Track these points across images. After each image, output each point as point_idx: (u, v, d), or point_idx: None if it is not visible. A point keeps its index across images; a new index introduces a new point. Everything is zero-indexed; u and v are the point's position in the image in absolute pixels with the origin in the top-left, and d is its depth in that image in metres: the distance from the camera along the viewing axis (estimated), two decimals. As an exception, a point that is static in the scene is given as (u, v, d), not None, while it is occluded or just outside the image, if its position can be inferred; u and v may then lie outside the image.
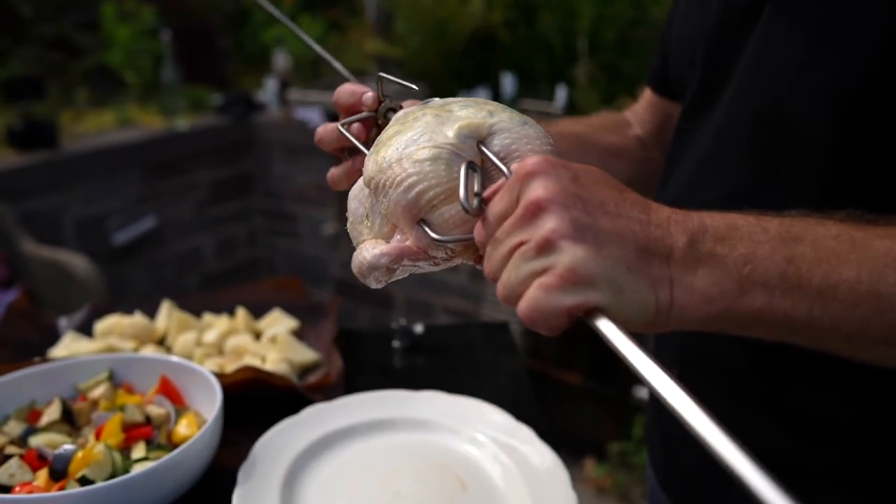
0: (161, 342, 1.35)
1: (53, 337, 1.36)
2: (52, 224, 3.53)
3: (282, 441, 1.02)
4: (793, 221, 0.62)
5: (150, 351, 1.29)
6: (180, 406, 1.08)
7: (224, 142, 4.32)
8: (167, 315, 1.38)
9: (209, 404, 1.05)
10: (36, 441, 1.00)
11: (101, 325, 1.35)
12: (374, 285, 0.73)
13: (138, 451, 0.97)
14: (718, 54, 0.90)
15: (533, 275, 0.56)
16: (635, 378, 3.25)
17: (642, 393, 3.22)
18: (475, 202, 0.62)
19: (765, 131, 0.83)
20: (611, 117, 1.26)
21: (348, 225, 0.75)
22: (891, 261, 0.59)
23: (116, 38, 4.28)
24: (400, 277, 0.73)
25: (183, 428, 1.02)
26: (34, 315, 1.39)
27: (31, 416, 1.06)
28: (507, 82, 3.60)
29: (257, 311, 1.41)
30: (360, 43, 4.00)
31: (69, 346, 1.29)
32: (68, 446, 0.95)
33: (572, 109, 3.44)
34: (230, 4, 5.22)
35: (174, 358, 1.12)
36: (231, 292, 1.48)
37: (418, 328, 1.38)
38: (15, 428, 1.03)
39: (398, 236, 0.70)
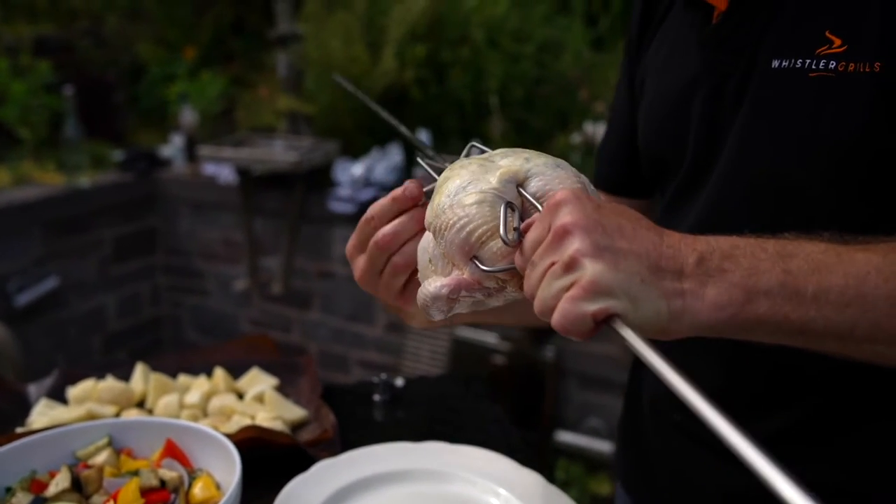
0: (140, 405, 1.33)
1: (25, 405, 1.32)
2: (-51, 287, 3.38)
3: (302, 497, 1.03)
4: (787, 241, 0.73)
5: (133, 415, 1.27)
6: (189, 469, 1.07)
7: (127, 198, 4.24)
8: (143, 377, 1.36)
9: (219, 465, 1.05)
10: (49, 511, 0.97)
11: (75, 391, 1.32)
12: (437, 316, 0.83)
13: (160, 516, 0.97)
14: (709, 131, 0.99)
15: (562, 290, 0.67)
16: (557, 424, 3.34)
17: (564, 438, 3.30)
18: (513, 235, 0.74)
19: (763, 197, 0.93)
20: None
21: (419, 274, 0.85)
22: (872, 268, 0.70)
23: (11, 93, 4.15)
24: (460, 311, 0.83)
25: (199, 490, 1.02)
26: (1, 384, 1.35)
27: (35, 487, 1.04)
28: (422, 138, 3.68)
29: (233, 371, 1.41)
30: (270, 99, 4.01)
31: (48, 415, 1.26)
32: (90, 514, 0.93)
33: (487, 164, 3.54)
34: (126, 58, 5.14)
35: (180, 421, 1.11)
36: (203, 353, 1.48)
37: (399, 381, 1.41)
38: (23, 499, 1.00)
39: (455, 272, 0.80)
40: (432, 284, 0.81)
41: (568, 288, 0.66)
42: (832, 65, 0.86)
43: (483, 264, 0.77)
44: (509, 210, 0.76)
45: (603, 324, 0.66)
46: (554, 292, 0.68)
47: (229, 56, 5.16)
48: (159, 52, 5.07)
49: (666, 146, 1.07)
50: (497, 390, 3.34)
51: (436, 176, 0.90)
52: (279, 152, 3.82)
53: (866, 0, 0.85)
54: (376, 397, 1.39)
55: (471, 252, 0.77)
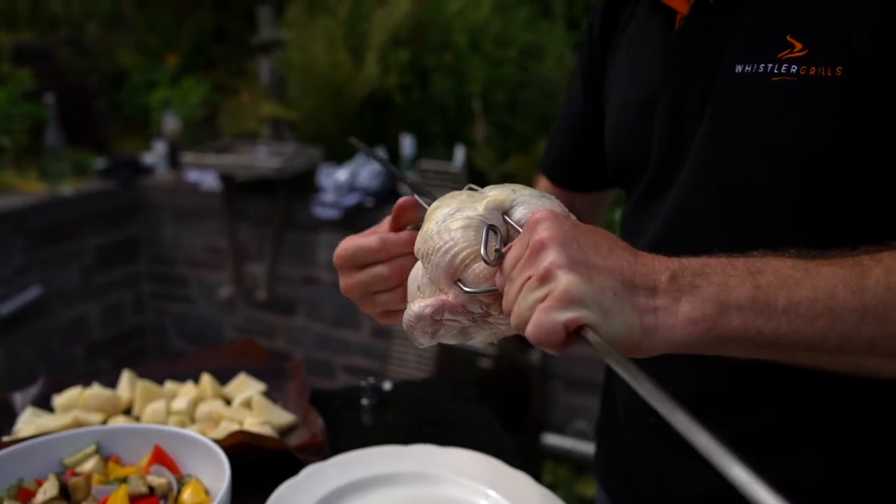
0: (127, 412, 1.33)
1: (10, 414, 1.31)
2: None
3: (291, 502, 1.03)
4: (755, 258, 0.74)
5: (120, 422, 1.27)
6: (178, 475, 1.07)
7: (110, 206, 4.22)
8: (130, 385, 1.36)
9: (208, 471, 1.05)
10: (37, 519, 0.97)
11: (61, 399, 1.32)
12: (422, 340, 0.85)
13: (149, 522, 0.97)
14: (673, 137, 1.00)
15: (537, 301, 0.68)
16: (543, 427, 3.34)
17: (551, 441, 3.31)
18: (494, 255, 0.76)
19: (728, 202, 0.94)
20: None
21: (409, 299, 0.86)
22: (839, 281, 0.71)
23: (-9, 102, 4.13)
24: (446, 338, 0.85)
25: (188, 496, 1.02)
26: (-14, 392, 1.34)
27: (22, 495, 1.03)
28: (407, 143, 3.68)
29: (220, 377, 1.41)
30: (253, 106, 4.01)
31: (34, 423, 1.26)
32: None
33: (471, 168, 3.55)
34: (107, 66, 5.12)
35: (168, 427, 1.11)
36: (190, 360, 1.47)
37: (387, 385, 1.42)
38: (11, 508, 1.00)
39: (440, 295, 0.81)
40: (416, 305, 0.82)
41: (543, 299, 0.68)
42: (794, 69, 0.87)
43: (466, 286, 0.78)
44: (491, 232, 0.77)
45: (575, 335, 0.67)
46: (529, 304, 0.69)
47: (211, 63, 5.14)
48: (141, 60, 5.05)
49: (631, 152, 1.08)
50: (483, 394, 3.34)
51: (422, 203, 0.93)
52: (262, 158, 3.81)
53: (827, 4, 0.86)
54: (364, 401, 1.39)
55: (455, 275, 0.79)
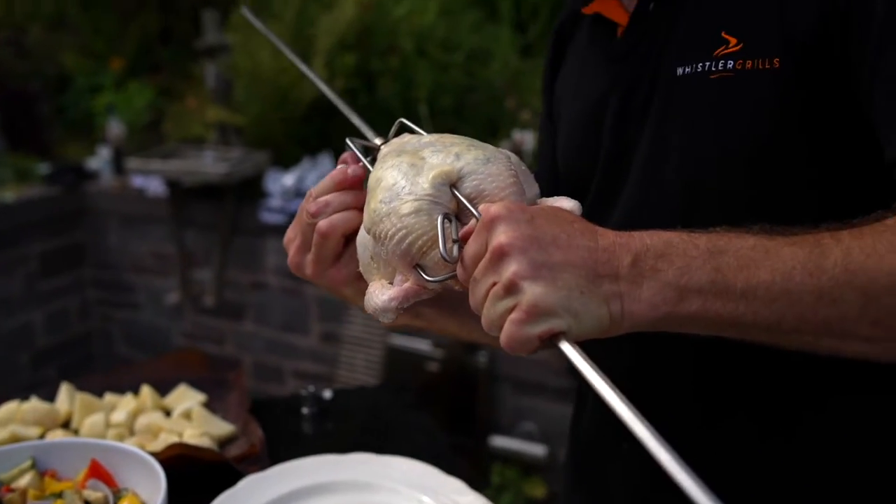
0: (66, 426, 1.33)
1: (-54, 428, 1.30)
2: None
3: (229, 513, 1.05)
4: (718, 236, 0.75)
5: (58, 436, 1.27)
6: (115, 489, 1.08)
7: (54, 212, 4.17)
8: (68, 398, 1.35)
9: (144, 484, 1.06)
10: (-29, 536, 0.97)
11: (-2, 413, 1.31)
12: (386, 321, 0.85)
13: (84, 537, 0.97)
14: (620, 144, 1.01)
15: (506, 311, 0.70)
16: (491, 428, 3.38)
17: (498, 442, 3.34)
18: (454, 250, 0.76)
19: (677, 204, 0.94)
20: None
21: (360, 268, 0.88)
22: (797, 263, 0.72)
23: (-71, 107, 4.05)
24: (405, 314, 0.86)
25: (125, 510, 1.02)
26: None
27: (-44, 512, 1.03)
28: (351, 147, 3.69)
29: (161, 388, 1.41)
30: (199, 110, 3.99)
31: (-31, 438, 1.25)
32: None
33: (418, 173, 3.57)
34: (50, 69, 5.05)
35: (104, 441, 1.11)
36: (131, 371, 1.48)
37: (327, 394, 1.43)
38: (-56, 525, 0.99)
39: (399, 277, 0.82)
40: (380, 297, 0.83)
41: (511, 309, 0.69)
42: (730, 64, 0.88)
43: (426, 272, 0.79)
44: (446, 222, 0.77)
45: (548, 340, 0.69)
46: (499, 312, 0.70)
47: (157, 66, 5.09)
48: (85, 63, 4.98)
49: (581, 163, 1.09)
50: (431, 397, 3.37)
51: (366, 163, 0.91)
52: (209, 164, 3.80)
53: None
54: (305, 410, 1.41)
55: (413, 262, 0.79)
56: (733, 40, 0.89)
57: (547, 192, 1.03)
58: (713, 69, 0.90)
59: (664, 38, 0.96)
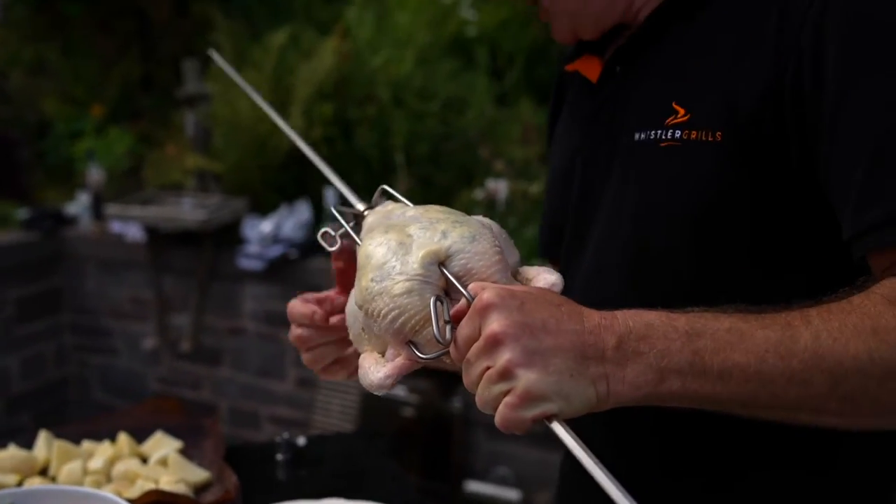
0: (43, 473, 1.35)
1: (-75, 476, 1.32)
2: None
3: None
4: (696, 317, 0.79)
5: (36, 483, 1.29)
6: (92, 535, 1.10)
7: (32, 257, 4.18)
8: (46, 445, 1.38)
9: (121, 530, 1.09)
10: (-49, 583, 0.99)
11: (-24, 461, 1.34)
12: (380, 394, 0.89)
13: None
14: (586, 199, 1.07)
15: (501, 395, 0.74)
16: (465, 473, 3.39)
17: (473, 487, 3.36)
18: (447, 332, 0.79)
19: (633, 262, 1.00)
20: None
21: (351, 337, 0.93)
22: (770, 346, 0.77)
23: None
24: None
25: (101, 556, 1.05)
26: None
27: (-64, 559, 1.05)
28: (330, 195, 3.74)
29: (138, 435, 1.44)
30: (178, 157, 4.04)
31: (-52, 485, 1.27)
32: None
33: (394, 220, 3.62)
34: (31, 115, 5.08)
35: (82, 488, 1.14)
36: (108, 419, 1.51)
37: (301, 440, 1.46)
38: (-76, 572, 1.02)
39: (391, 351, 0.86)
40: (376, 375, 0.86)
41: (506, 393, 0.73)
42: (678, 134, 0.93)
43: (418, 349, 0.82)
44: (438, 303, 0.79)
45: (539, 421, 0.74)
46: (494, 395, 0.74)
47: (137, 113, 5.14)
48: (65, 109, 5.02)
49: (558, 211, 1.15)
50: (406, 442, 3.39)
51: (350, 232, 0.95)
52: (187, 210, 3.84)
53: (709, 72, 0.92)
54: (279, 456, 1.44)
55: (405, 339, 0.82)
56: (682, 111, 0.94)
57: (549, 229, 1.12)
58: (663, 137, 0.95)
59: (625, 102, 1.01)
